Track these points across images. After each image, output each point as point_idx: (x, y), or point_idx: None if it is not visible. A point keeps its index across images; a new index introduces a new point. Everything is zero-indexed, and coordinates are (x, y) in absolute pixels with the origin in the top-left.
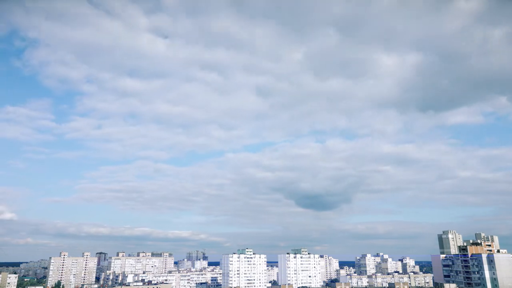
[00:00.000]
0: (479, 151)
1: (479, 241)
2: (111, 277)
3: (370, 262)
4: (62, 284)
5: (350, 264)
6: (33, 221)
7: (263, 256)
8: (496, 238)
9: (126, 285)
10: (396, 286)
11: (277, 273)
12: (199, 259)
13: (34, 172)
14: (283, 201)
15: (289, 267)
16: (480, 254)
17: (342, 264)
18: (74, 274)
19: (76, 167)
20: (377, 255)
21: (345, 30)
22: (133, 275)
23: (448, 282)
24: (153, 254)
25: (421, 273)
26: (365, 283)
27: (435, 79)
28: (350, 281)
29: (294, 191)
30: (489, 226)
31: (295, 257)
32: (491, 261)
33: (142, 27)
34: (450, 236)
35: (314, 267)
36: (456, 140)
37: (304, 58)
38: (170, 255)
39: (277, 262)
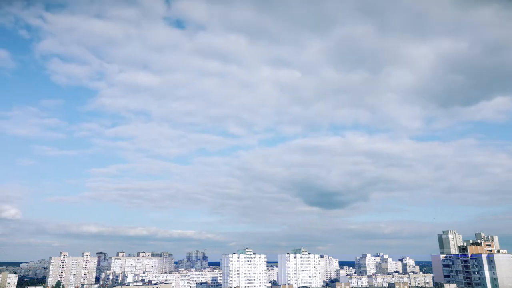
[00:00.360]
0: (507, 146)
1: (479, 241)
2: (111, 277)
3: (370, 262)
4: (62, 284)
5: (350, 264)
6: (37, 220)
7: (263, 256)
8: (496, 238)
9: (126, 285)
10: (396, 286)
11: (277, 273)
12: (199, 259)
13: (42, 170)
14: (292, 200)
15: (289, 267)
16: (480, 254)
17: (342, 264)
18: (74, 274)
19: (85, 166)
20: (377, 255)
21: (372, 18)
22: (133, 275)
23: (448, 282)
24: (153, 254)
25: (421, 273)
26: (365, 283)
27: (464, 70)
28: (350, 281)
29: (306, 189)
30: (499, 226)
31: (295, 257)
32: (491, 261)
33: (159, 16)
34: (450, 236)
35: (314, 267)
36: (483, 135)
37: (326, 49)
38: (170, 255)
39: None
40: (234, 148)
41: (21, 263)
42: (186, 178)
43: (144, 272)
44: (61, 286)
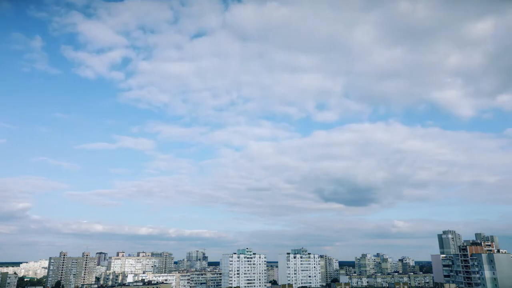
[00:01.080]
0: None
1: (479, 241)
2: (111, 277)
3: (370, 262)
4: (62, 284)
5: (351, 264)
6: (45, 218)
7: (262, 256)
8: (496, 238)
9: (126, 285)
10: (396, 286)
11: (277, 273)
12: (199, 259)
13: (54, 166)
14: (314, 197)
15: (289, 267)
16: (480, 254)
17: (342, 264)
18: (74, 274)
19: (100, 162)
20: (377, 255)
21: None
22: (133, 275)
23: (448, 282)
24: (153, 254)
25: (421, 273)
26: (365, 283)
27: None
28: (350, 281)
29: (324, 184)
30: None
31: (295, 257)
32: (491, 260)
33: None
34: (450, 236)
35: (314, 267)
36: None
37: (378, 27)
38: (170, 255)
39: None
40: (258, 139)
41: (21, 263)
42: (202, 175)
43: (144, 272)
44: (61, 286)
